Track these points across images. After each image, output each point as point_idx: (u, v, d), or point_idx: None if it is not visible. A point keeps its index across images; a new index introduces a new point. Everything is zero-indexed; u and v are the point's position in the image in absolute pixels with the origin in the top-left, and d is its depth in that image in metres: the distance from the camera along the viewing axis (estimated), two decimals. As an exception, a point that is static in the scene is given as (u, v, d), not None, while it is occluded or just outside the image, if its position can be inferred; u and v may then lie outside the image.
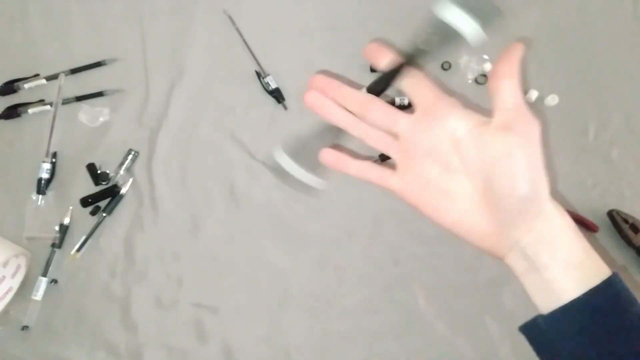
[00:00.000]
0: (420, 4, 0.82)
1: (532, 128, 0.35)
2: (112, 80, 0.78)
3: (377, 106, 0.39)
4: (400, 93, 0.77)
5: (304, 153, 0.41)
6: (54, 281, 0.70)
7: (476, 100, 0.76)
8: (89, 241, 0.71)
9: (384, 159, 0.74)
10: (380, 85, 0.40)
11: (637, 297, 0.34)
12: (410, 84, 0.41)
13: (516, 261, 0.35)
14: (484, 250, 0.37)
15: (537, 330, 0.36)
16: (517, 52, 0.40)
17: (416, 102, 0.40)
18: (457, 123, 0.36)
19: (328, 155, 0.41)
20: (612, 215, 0.70)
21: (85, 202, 0.72)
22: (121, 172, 0.73)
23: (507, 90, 0.37)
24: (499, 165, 0.34)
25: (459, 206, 0.36)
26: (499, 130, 0.35)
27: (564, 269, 0.33)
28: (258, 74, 0.77)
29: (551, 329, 0.34)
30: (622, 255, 0.70)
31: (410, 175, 0.38)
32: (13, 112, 0.76)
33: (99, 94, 0.77)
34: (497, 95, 0.36)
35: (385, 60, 0.43)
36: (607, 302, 0.33)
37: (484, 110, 0.38)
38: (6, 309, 0.68)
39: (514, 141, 0.34)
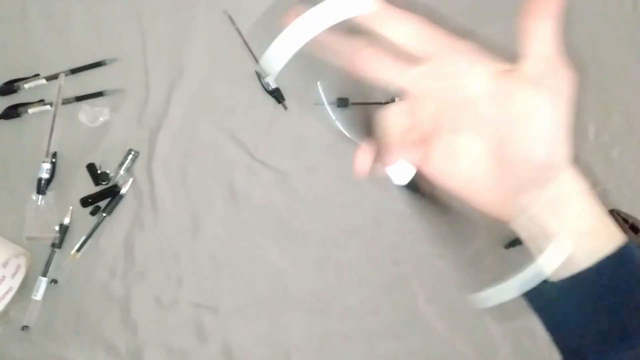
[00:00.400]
0: (420, 3, 0.82)
1: (566, 84, 0.29)
2: (112, 80, 0.78)
3: (376, 56, 0.33)
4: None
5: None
6: (54, 281, 0.70)
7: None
8: (89, 241, 0.71)
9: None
10: None
11: None
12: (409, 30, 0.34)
13: (524, 227, 0.32)
14: (487, 216, 0.33)
15: (544, 298, 0.33)
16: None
17: (421, 50, 0.33)
18: (472, 76, 0.31)
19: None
20: (612, 215, 0.70)
21: (85, 202, 0.72)
22: (121, 172, 0.73)
23: (541, 34, 0.30)
24: (521, 126, 0.29)
25: (463, 169, 0.32)
26: (526, 85, 0.29)
27: (575, 237, 0.31)
28: (258, 74, 0.77)
29: (560, 297, 0.32)
30: (622, 255, 0.70)
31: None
32: (13, 112, 0.76)
33: (99, 94, 0.77)
34: (528, 38, 0.30)
35: None
36: (620, 272, 0.30)
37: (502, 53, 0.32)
38: (6, 309, 0.68)
39: (542, 100, 0.29)
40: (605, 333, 0.30)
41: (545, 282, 0.32)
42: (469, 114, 0.31)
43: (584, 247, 0.31)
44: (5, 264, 0.67)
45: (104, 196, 0.72)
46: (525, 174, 0.30)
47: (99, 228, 0.72)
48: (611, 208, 0.77)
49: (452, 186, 0.33)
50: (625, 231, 0.73)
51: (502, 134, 0.30)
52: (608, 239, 0.32)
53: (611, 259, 0.30)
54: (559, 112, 0.29)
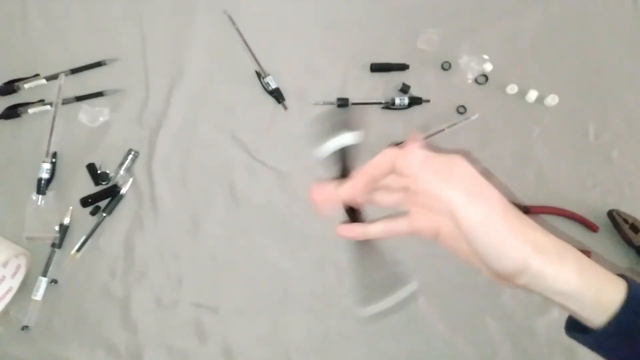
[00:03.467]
0: (420, 4, 0.82)
1: (494, 202, 0.35)
2: (112, 80, 0.78)
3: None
4: (399, 93, 0.77)
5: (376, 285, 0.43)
6: (54, 281, 0.70)
7: (476, 100, 0.76)
8: (89, 241, 0.71)
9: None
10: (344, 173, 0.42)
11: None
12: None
13: (528, 289, 0.36)
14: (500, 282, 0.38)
15: (586, 343, 0.37)
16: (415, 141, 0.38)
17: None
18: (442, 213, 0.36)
19: (346, 232, 0.42)
20: (612, 215, 0.70)
21: (85, 202, 0.72)
22: (121, 172, 0.73)
23: (443, 190, 0.35)
24: (475, 243, 0.35)
25: (465, 252, 0.38)
26: (466, 214, 0.35)
27: (579, 307, 0.35)
28: (258, 74, 0.77)
29: (597, 348, 0.36)
30: (622, 255, 0.70)
31: (423, 222, 0.40)
32: (13, 112, 0.76)
33: (99, 94, 0.77)
34: (432, 194, 0.36)
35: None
36: (628, 325, 0.34)
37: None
38: (6, 309, 0.68)
39: (479, 222, 0.34)
40: None
41: (585, 335, 0.36)
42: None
43: (588, 311, 0.35)
44: (5, 264, 0.67)
45: (104, 196, 0.72)
46: (498, 273, 0.36)
47: (99, 228, 0.72)
48: (611, 208, 0.77)
49: (462, 258, 0.39)
50: (625, 231, 0.73)
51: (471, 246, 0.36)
52: (614, 290, 0.35)
53: (621, 312, 0.34)
54: (501, 226, 0.34)
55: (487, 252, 0.35)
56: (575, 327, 0.37)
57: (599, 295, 0.35)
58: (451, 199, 0.34)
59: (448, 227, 0.38)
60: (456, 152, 0.37)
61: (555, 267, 0.34)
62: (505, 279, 0.36)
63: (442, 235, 0.39)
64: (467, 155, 0.36)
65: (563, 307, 0.36)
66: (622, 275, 0.36)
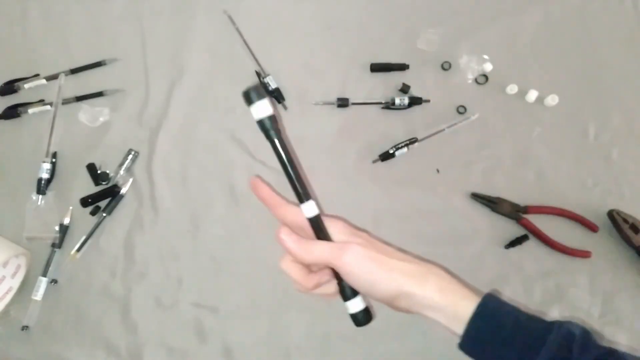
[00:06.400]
0: (420, 4, 0.82)
1: (356, 249, 0.43)
2: (112, 80, 0.78)
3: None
4: (399, 93, 0.77)
5: None
6: (54, 281, 0.70)
7: (476, 100, 0.76)
8: (89, 241, 0.71)
9: (384, 158, 0.74)
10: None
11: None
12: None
13: (412, 312, 0.45)
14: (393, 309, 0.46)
15: (462, 349, 0.44)
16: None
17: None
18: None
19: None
20: (612, 215, 0.70)
21: (85, 202, 0.72)
22: (121, 172, 0.73)
23: (308, 255, 0.45)
24: (352, 282, 0.45)
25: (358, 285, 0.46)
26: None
27: (445, 320, 0.43)
28: (258, 74, 0.77)
29: (465, 352, 0.44)
30: (622, 255, 0.70)
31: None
32: (13, 112, 0.76)
33: (99, 94, 0.77)
34: (304, 259, 0.46)
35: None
36: (484, 325, 0.42)
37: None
38: (6, 309, 0.68)
39: (348, 266, 0.43)
40: None
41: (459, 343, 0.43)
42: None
43: (453, 319, 0.43)
44: (5, 264, 0.67)
45: (104, 196, 0.72)
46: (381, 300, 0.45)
47: (99, 228, 0.72)
48: (611, 208, 0.77)
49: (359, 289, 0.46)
50: (625, 231, 0.73)
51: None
52: (468, 303, 0.43)
53: (474, 320, 0.42)
54: (362, 266, 0.43)
55: (363, 286, 0.44)
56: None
57: (457, 308, 0.42)
58: (322, 257, 0.44)
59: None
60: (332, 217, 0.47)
61: (421, 287, 0.43)
62: (391, 305, 0.45)
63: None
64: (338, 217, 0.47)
65: (436, 322, 0.43)
66: (488, 295, 0.43)
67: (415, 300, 0.43)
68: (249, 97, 0.43)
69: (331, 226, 0.46)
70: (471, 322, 0.42)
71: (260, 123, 0.44)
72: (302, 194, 0.45)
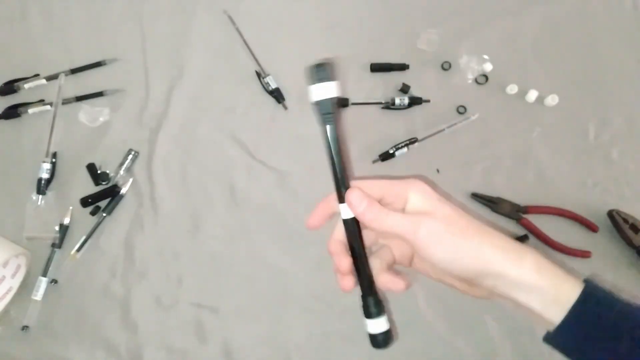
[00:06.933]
0: (420, 4, 0.82)
1: (437, 217, 0.39)
2: (112, 80, 0.78)
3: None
4: (399, 93, 0.77)
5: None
6: (54, 281, 0.70)
7: (476, 100, 0.76)
8: (89, 241, 0.71)
9: (384, 158, 0.74)
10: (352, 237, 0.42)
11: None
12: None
13: (501, 300, 0.39)
14: (469, 294, 0.42)
15: (551, 342, 0.39)
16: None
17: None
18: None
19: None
20: (612, 215, 0.70)
21: (85, 202, 0.72)
22: (121, 172, 0.73)
23: (387, 224, 0.39)
24: (427, 256, 0.39)
25: (434, 272, 0.43)
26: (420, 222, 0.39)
27: (540, 304, 0.37)
28: (258, 74, 0.77)
29: (557, 345, 0.38)
30: (622, 255, 0.70)
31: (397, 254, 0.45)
32: (13, 112, 0.76)
33: (99, 94, 0.77)
34: (384, 230, 0.40)
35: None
36: (588, 314, 0.36)
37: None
38: (6, 309, 0.68)
39: (425, 238, 0.38)
40: None
41: (548, 334, 0.38)
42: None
43: (551, 303, 0.37)
44: (5, 264, 0.67)
45: (104, 196, 0.72)
46: (461, 281, 0.39)
47: (99, 228, 0.72)
48: (611, 208, 0.77)
49: (435, 279, 0.43)
50: (625, 231, 0.73)
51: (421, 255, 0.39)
52: (571, 286, 0.37)
53: (577, 306, 0.36)
54: (443, 238, 0.38)
55: (441, 261, 0.38)
56: (549, 336, 0.39)
57: (558, 291, 0.36)
58: (394, 229, 0.38)
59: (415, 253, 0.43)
60: (414, 176, 0.42)
61: (515, 264, 0.37)
62: (472, 284, 0.39)
63: (414, 263, 0.44)
64: (421, 178, 0.41)
65: (528, 307, 0.37)
66: (589, 279, 0.38)
67: (507, 280, 0.37)
68: (319, 72, 0.39)
69: (411, 190, 0.40)
70: (574, 307, 0.36)
71: (321, 104, 0.40)
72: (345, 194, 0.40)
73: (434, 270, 0.42)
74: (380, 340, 0.41)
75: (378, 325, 0.41)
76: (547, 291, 0.36)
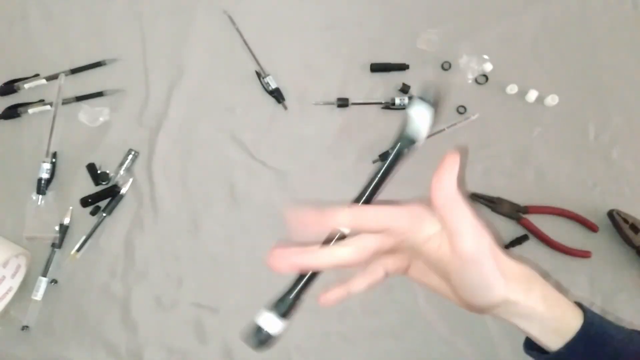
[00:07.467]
0: (420, 4, 0.82)
1: (484, 245, 0.35)
2: (112, 80, 0.78)
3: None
4: (399, 93, 0.77)
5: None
6: (54, 281, 0.70)
7: (476, 100, 0.76)
8: (89, 241, 0.71)
9: (384, 158, 0.74)
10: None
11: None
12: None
13: (504, 320, 0.39)
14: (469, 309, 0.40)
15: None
16: (454, 165, 0.40)
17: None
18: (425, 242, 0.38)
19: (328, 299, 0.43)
20: (612, 215, 0.70)
21: (85, 202, 0.72)
22: (121, 172, 0.73)
23: (458, 219, 0.37)
24: (457, 281, 0.36)
25: (434, 284, 0.41)
26: (456, 258, 0.36)
27: (539, 331, 0.37)
28: (258, 74, 0.77)
29: None
30: (622, 256, 0.70)
31: (393, 264, 0.43)
32: (13, 112, 0.76)
33: (99, 94, 0.77)
34: (448, 221, 0.37)
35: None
36: (588, 345, 0.36)
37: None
38: (6, 309, 0.68)
39: (468, 267, 0.35)
40: None
41: (542, 356, 0.38)
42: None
43: (550, 338, 0.37)
44: (5, 264, 0.67)
45: (104, 196, 0.72)
46: (473, 305, 0.38)
47: (99, 228, 0.72)
48: (611, 208, 0.77)
49: (437, 293, 0.42)
50: (625, 231, 0.73)
51: (448, 281, 0.38)
52: (572, 318, 0.37)
53: (577, 337, 0.36)
54: (483, 268, 0.35)
55: (474, 284, 0.36)
56: (532, 346, 0.39)
57: (560, 322, 0.37)
58: (460, 229, 0.36)
59: (417, 265, 0.42)
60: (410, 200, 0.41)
61: (525, 295, 0.36)
62: (481, 310, 0.38)
63: (410, 272, 0.43)
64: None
65: (524, 331, 0.38)
66: (577, 304, 0.38)
67: (513, 308, 0.36)
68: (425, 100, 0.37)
69: (426, 217, 0.39)
70: (575, 339, 0.36)
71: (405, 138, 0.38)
72: None
73: (436, 285, 0.42)
74: (263, 338, 0.37)
75: (274, 325, 0.38)
76: (549, 322, 0.37)
